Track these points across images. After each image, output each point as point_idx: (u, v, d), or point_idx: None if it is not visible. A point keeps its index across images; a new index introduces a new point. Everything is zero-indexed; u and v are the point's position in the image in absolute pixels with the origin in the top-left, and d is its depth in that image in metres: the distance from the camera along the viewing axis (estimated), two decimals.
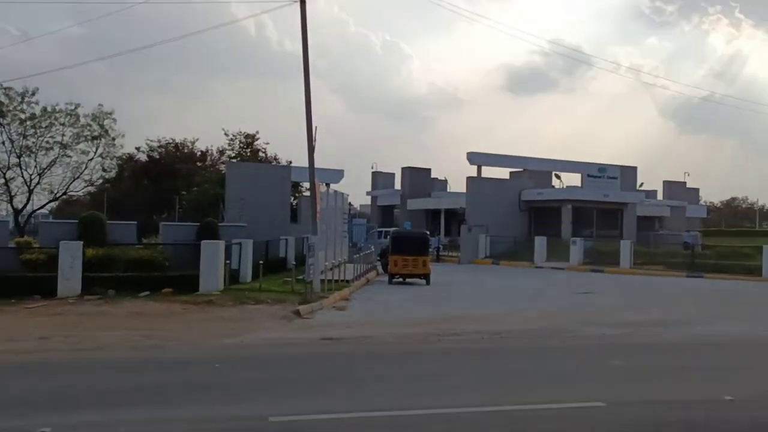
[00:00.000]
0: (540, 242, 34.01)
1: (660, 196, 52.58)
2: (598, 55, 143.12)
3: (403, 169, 50.11)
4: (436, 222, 47.46)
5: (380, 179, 54.38)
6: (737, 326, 12.69)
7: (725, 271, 27.40)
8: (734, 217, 74.41)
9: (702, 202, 61.17)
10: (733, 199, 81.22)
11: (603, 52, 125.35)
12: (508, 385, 7.39)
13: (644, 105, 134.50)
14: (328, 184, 30.31)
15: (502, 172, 44.40)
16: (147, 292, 14.84)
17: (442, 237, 42.84)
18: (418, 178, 49.22)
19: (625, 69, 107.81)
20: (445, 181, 54.65)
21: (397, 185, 51.84)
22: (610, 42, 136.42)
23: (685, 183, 55.35)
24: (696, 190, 57.54)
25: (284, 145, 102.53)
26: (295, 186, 38.46)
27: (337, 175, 40.05)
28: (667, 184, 54.14)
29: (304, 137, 16.93)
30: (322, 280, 16.35)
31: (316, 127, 16.79)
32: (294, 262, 18.96)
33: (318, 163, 17.53)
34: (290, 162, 39.22)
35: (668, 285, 22.54)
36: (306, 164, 17.49)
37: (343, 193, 25.02)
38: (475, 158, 40.54)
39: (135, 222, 24.39)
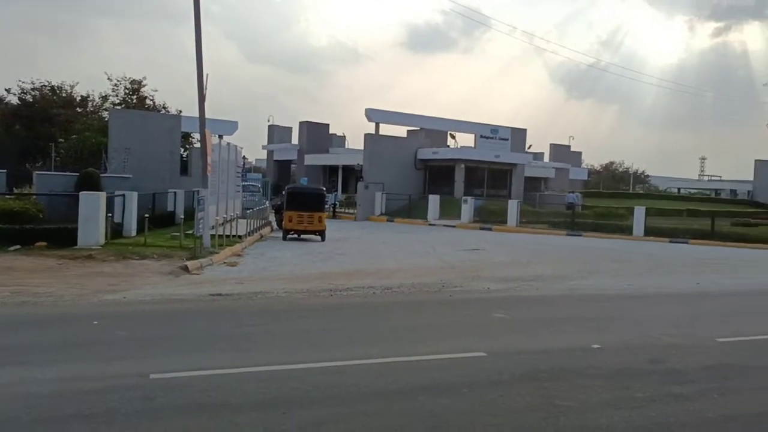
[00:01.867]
0: (433, 200, 34.84)
1: (547, 159, 55.21)
2: (496, 17, 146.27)
3: (301, 124, 49.30)
4: (334, 178, 47.33)
5: (277, 133, 53.26)
6: (608, 281, 13.68)
7: (602, 230, 29.43)
8: (612, 180, 79.71)
9: (584, 165, 64.97)
10: (611, 163, 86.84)
11: (501, 13, 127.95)
12: (396, 338, 7.56)
13: (537, 68, 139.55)
14: (221, 136, 29.24)
15: (400, 130, 44.78)
16: (17, 246, 13.79)
17: (339, 194, 42.84)
18: (317, 134, 48.65)
19: (520, 32, 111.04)
20: (344, 137, 54.46)
21: (295, 140, 51.00)
22: (507, 4, 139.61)
23: (569, 146, 58.40)
24: (579, 154, 60.92)
25: (174, 93, 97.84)
26: (186, 137, 36.83)
27: (231, 126, 38.73)
28: (554, 147, 56.89)
29: (195, 85, 16.11)
30: (213, 236, 15.89)
31: (207, 75, 16.01)
32: (183, 217, 18.24)
33: (210, 113, 16.82)
34: (180, 111, 37.41)
35: (550, 243, 23.88)
36: (197, 114, 16.70)
37: (236, 146, 24.29)
38: (373, 115, 40.55)
39: (5, 170, 22.44)
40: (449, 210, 34.48)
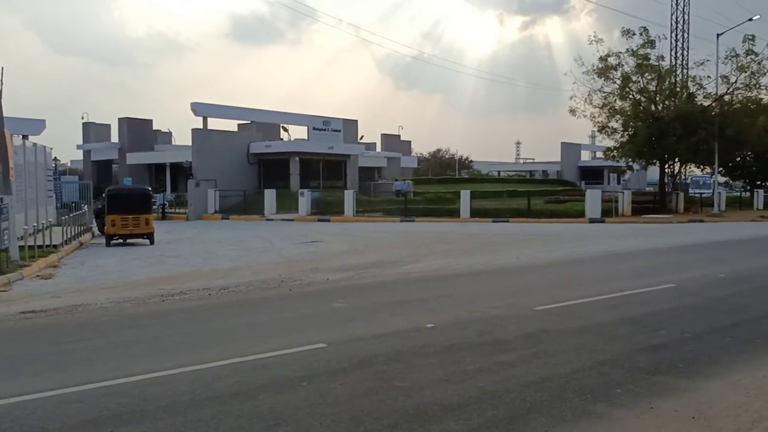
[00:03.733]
0: (270, 195, 34.40)
1: (379, 148, 56.87)
2: (322, 9, 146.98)
3: (121, 120, 46.05)
4: (162, 177, 44.88)
5: (93, 131, 49.29)
6: (440, 261, 14.41)
7: (432, 215, 30.98)
8: (440, 167, 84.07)
9: (414, 153, 67.85)
10: (439, 150, 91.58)
11: (326, 5, 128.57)
12: (233, 338, 7.32)
13: (365, 60, 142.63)
14: (25, 137, 26.31)
15: (230, 124, 43.55)
16: None
17: (168, 193, 40.78)
18: (139, 130, 45.75)
19: (346, 24, 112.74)
20: (170, 133, 51.86)
21: (114, 138, 47.51)
22: None
23: (399, 136, 60.64)
24: (409, 143, 63.52)
25: None
26: None
27: (38, 125, 35.10)
28: (385, 137, 58.75)
29: None
30: (22, 247, 14.31)
31: (2, 68, 14.30)
32: None
33: (9, 112, 15.06)
34: None
35: (385, 230, 24.64)
36: None
37: (45, 147, 22.04)
38: (200, 109, 38.95)
39: None
40: (286, 204, 34.27)
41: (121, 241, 19.68)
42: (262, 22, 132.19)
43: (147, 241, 19.83)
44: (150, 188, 23.07)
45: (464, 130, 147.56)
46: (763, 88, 31.82)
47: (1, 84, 14.40)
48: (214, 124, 40.56)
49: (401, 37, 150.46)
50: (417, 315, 8.37)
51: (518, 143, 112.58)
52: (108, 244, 19.45)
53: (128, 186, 27.35)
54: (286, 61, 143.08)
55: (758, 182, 45.54)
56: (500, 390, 5.27)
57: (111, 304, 9.76)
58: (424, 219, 29.84)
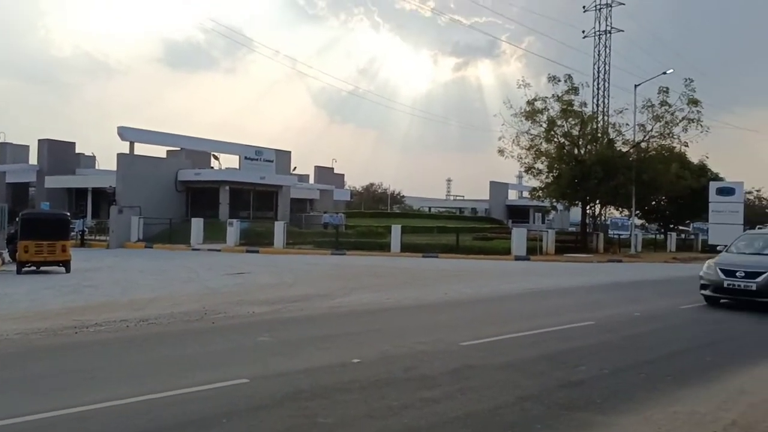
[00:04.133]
0: (197, 224, 33.56)
1: (312, 180, 56.67)
2: (259, 40, 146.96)
3: (41, 142, 44.00)
4: (83, 202, 43.04)
5: (10, 152, 46.96)
6: (369, 295, 14.38)
7: (363, 248, 31.00)
8: (372, 201, 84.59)
9: (347, 186, 68.03)
10: (372, 184, 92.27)
11: (263, 36, 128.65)
12: (152, 373, 7.01)
13: (300, 92, 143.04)
14: None
15: (159, 150, 42.42)
16: None
17: (89, 219, 39.09)
18: (60, 153, 43.80)
19: (283, 56, 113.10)
20: (93, 157, 49.98)
21: (33, 160, 45.30)
22: (270, 28, 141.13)
23: (333, 169, 60.70)
24: (342, 176, 63.64)
25: None
26: None
27: None
28: (318, 169, 58.65)
29: None
30: None
31: None
32: None
33: None
34: None
35: (315, 263, 24.43)
36: None
37: None
38: (127, 134, 37.77)
39: None
40: (214, 233, 33.51)
41: (34, 268, 18.66)
42: (197, 49, 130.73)
43: (63, 269, 18.88)
44: (68, 213, 22.06)
45: (397, 166, 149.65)
46: (675, 137, 33.90)
47: None
48: (142, 149, 39.45)
49: (337, 71, 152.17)
50: (343, 350, 8.28)
51: (449, 180, 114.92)
52: (19, 272, 18.38)
53: (45, 210, 26.02)
54: (220, 89, 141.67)
55: (671, 225, 48.19)
56: (424, 426, 5.25)
57: (18, 335, 9.17)
58: (355, 252, 29.82)
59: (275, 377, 6.76)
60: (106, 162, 48.70)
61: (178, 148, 42.24)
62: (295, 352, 8.28)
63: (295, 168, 52.15)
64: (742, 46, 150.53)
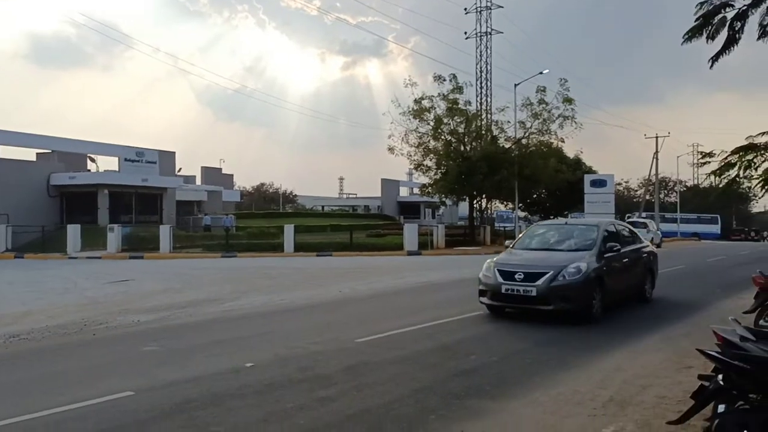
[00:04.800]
0: (73, 230, 31.47)
1: (199, 181, 54.79)
2: (137, 36, 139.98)
3: None
4: None
5: None
6: (262, 298, 14.09)
7: (256, 250, 30.35)
8: (263, 201, 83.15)
9: (236, 187, 66.41)
10: (262, 184, 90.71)
11: (142, 33, 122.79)
12: (26, 392, 6.47)
13: (183, 91, 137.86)
14: None
15: (27, 153, 39.32)
16: None
17: None
18: None
19: (164, 53, 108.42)
20: None
21: None
22: (149, 24, 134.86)
23: (221, 169, 59.09)
24: (231, 176, 62.11)
25: None
26: None
27: None
28: (205, 170, 56.83)
29: None
30: None
31: None
32: None
33: None
34: None
35: (205, 267, 23.63)
36: None
37: None
38: None
39: None
40: (93, 240, 31.54)
41: None
42: (68, 45, 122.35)
43: None
44: None
45: (288, 165, 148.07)
46: (553, 133, 35.91)
47: None
48: (8, 152, 36.38)
49: (222, 69, 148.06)
50: (235, 354, 8.05)
51: (341, 179, 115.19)
52: None
53: None
54: (96, 87, 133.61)
55: (551, 216, 51.08)
56: (320, 426, 5.21)
57: None
58: (247, 254, 29.14)
59: (163, 388, 6.45)
60: None
61: (49, 150, 39.37)
62: (184, 360, 7.94)
63: (180, 169, 50.19)
64: (612, 47, 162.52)
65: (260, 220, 46.71)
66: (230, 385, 6.50)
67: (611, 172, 49.25)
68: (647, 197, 61.21)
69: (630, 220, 38.59)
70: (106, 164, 44.56)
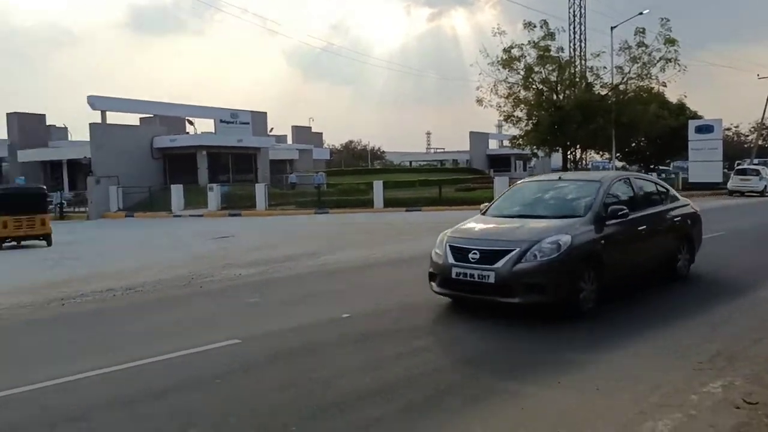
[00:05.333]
0: (177, 190, 33.23)
1: (290, 141, 56.15)
2: None
3: (10, 116, 42.92)
4: (58, 175, 42.33)
5: None
6: (355, 252, 14.41)
7: (346, 206, 30.95)
8: (352, 158, 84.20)
9: (326, 145, 67.58)
10: (351, 141, 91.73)
11: None
12: (142, 340, 7.02)
13: (272, 52, 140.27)
14: None
15: (131, 118, 41.63)
16: None
17: (66, 191, 38.52)
18: (30, 126, 42.84)
19: (252, 15, 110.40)
20: (65, 128, 48.93)
21: (3, 134, 44.28)
22: None
23: (310, 128, 60.16)
24: (320, 134, 63.17)
25: None
26: None
27: None
28: (296, 129, 58.08)
29: None
30: None
31: None
32: None
33: None
34: None
35: (299, 222, 24.40)
36: None
37: None
38: (97, 102, 36.93)
39: None
40: (195, 199, 33.23)
41: (14, 243, 18.44)
42: (163, 12, 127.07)
43: (44, 243, 18.68)
44: (44, 186, 21.72)
45: (376, 122, 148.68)
46: (653, 78, 33.88)
47: None
48: (114, 118, 38.66)
49: (309, 28, 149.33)
50: (333, 306, 8.33)
51: (428, 133, 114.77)
52: (0, 247, 18.16)
53: (22, 185, 25.59)
54: (190, 52, 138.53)
55: (651, 165, 48.63)
56: (417, 374, 5.33)
57: (4, 309, 9.11)
58: (339, 210, 29.78)
59: (266, 337, 6.80)
60: (79, 132, 47.78)
61: (151, 115, 41.46)
62: (285, 311, 8.32)
63: (272, 129, 51.58)
64: None
65: (349, 177, 47.43)
66: (329, 334, 6.76)
67: (718, 116, 46.04)
68: (760, 142, 56.86)
69: (740, 167, 36.06)
70: (203, 126, 46.55)
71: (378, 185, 31.20)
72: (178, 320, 8.14)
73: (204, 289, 10.34)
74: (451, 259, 7.32)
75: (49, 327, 8.11)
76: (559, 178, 9.21)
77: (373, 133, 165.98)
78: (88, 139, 36.68)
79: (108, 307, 9.12)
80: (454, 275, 7.21)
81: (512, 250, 6.88)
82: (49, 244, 18.67)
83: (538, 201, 8.55)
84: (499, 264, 6.84)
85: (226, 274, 11.70)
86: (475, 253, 7.09)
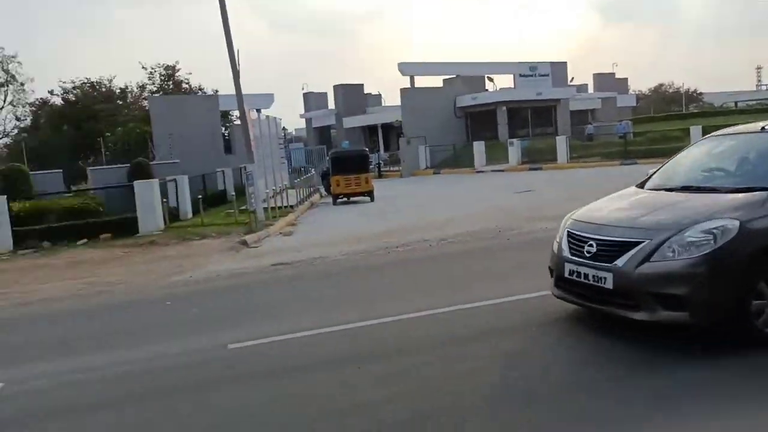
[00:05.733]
0: (479, 147, 34.39)
1: (591, 89, 53.52)
2: None
3: (335, 87, 49.12)
4: (375, 138, 47.24)
5: (313, 100, 53.30)
6: None
7: (657, 155, 28.38)
8: (662, 103, 76.67)
9: (631, 91, 62.70)
10: (660, 85, 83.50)
11: None
12: (456, 287, 7.55)
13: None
14: (258, 110, 29.45)
15: (435, 80, 44.10)
16: (84, 240, 14.36)
17: (382, 152, 42.81)
18: (352, 95, 48.43)
19: None
20: (379, 95, 54.07)
21: (331, 104, 50.97)
22: None
23: (613, 74, 56.42)
24: (625, 80, 58.84)
25: (207, 74, 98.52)
26: (225, 115, 37.27)
27: (267, 99, 38.94)
28: (597, 77, 55.08)
29: (227, 64, 16.17)
30: (266, 208, 16.18)
31: (238, 51, 16.03)
32: (234, 194, 18.56)
33: (245, 89, 16.87)
34: (216, 91, 37.78)
35: (604, 174, 23.28)
36: (233, 92, 16.80)
37: (275, 118, 24.40)
38: (406, 69, 40.02)
39: (60, 170, 23.25)
40: (496, 154, 34.03)
41: (345, 199, 21.26)
42: None
43: (368, 199, 21.15)
44: (367, 149, 24.48)
45: (690, 60, 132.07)
46: None
47: (238, 65, 16.18)
48: (420, 81, 41.43)
49: None
50: None
51: (759, 68, 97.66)
52: (334, 203, 21.16)
53: (348, 148, 29.29)
54: (481, 8, 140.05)
55: None
56: None
57: (343, 256, 10.63)
58: (648, 160, 27.47)
59: None
60: (390, 97, 52.35)
61: (454, 75, 43.35)
62: None
63: (572, 79, 49.64)
64: None
65: (660, 124, 43.43)
66: None
67: None
68: None
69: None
70: (502, 82, 47.07)
71: (696, 131, 27.92)
72: (491, 269, 8.58)
73: (511, 241, 10.65)
74: (566, 252, 5.44)
75: (378, 271, 9.26)
76: (762, 129, 5.72)
77: (688, 73, 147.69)
78: (399, 104, 40.06)
79: (426, 256, 10.04)
80: (567, 273, 5.32)
81: (640, 242, 4.73)
82: (372, 199, 21.10)
83: (723, 165, 5.92)
84: (620, 261, 4.77)
85: (531, 227, 11.84)
86: (591, 245, 5.08)
